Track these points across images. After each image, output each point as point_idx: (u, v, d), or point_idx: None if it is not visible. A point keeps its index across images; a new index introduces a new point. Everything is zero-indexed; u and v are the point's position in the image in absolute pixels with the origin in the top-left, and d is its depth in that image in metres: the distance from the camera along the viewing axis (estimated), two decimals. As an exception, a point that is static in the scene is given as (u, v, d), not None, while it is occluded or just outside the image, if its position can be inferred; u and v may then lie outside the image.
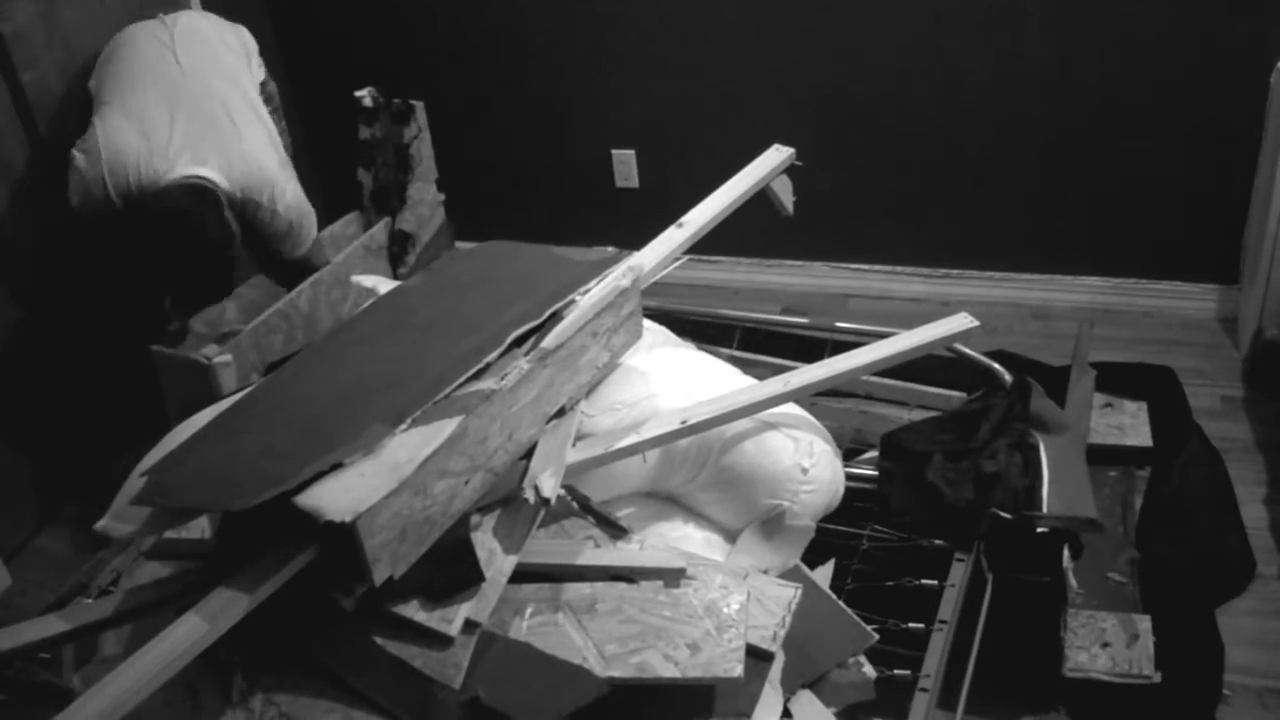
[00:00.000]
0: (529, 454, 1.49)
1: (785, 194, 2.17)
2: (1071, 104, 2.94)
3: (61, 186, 2.32)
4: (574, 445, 1.54)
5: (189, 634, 1.23)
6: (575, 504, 1.55)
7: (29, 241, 2.68)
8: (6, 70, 2.58)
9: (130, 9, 2.90)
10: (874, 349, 1.75)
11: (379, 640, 1.31)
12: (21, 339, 2.67)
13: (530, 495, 1.41)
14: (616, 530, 1.51)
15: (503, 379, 1.42)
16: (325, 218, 3.03)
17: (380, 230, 2.95)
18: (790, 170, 2.17)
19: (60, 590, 1.90)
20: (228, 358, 2.08)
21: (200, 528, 1.50)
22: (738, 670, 1.28)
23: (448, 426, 1.33)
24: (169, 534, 1.52)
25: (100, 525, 1.47)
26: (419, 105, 2.90)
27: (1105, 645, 1.87)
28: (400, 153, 2.89)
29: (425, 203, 2.97)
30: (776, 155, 2.09)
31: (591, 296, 1.58)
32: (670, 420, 1.61)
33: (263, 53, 2.74)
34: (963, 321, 1.77)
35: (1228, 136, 2.85)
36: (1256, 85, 2.75)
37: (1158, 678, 1.83)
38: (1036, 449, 1.86)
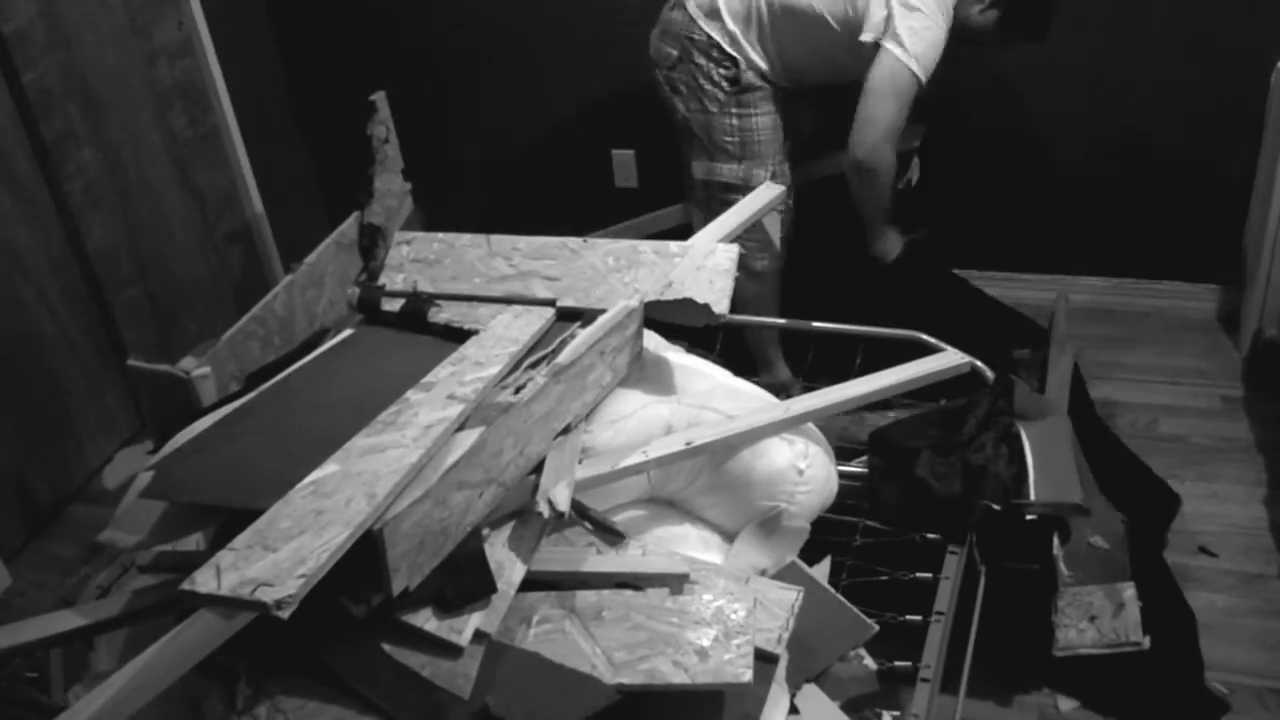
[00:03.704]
0: (536, 469, 1.49)
1: (774, 230, 2.21)
2: (1071, 104, 2.94)
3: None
4: (579, 463, 1.55)
5: (197, 635, 1.23)
6: (572, 510, 1.55)
7: (30, 241, 2.67)
8: (7, 70, 2.57)
9: (131, 9, 2.90)
10: (870, 380, 1.82)
11: (387, 648, 1.31)
12: (22, 339, 2.67)
13: (545, 509, 1.41)
14: (614, 536, 1.51)
15: (518, 392, 1.43)
16: (327, 223, 3.03)
17: (350, 225, 2.95)
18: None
19: (48, 607, 1.88)
20: (206, 370, 2.05)
21: (195, 540, 1.47)
22: (747, 676, 1.29)
23: (468, 438, 1.34)
24: (162, 547, 1.49)
25: (104, 537, 1.45)
26: (379, 96, 2.88)
27: (1093, 619, 1.89)
28: (364, 144, 2.87)
29: (393, 194, 2.96)
30: (768, 192, 2.11)
31: (603, 316, 1.60)
32: (673, 441, 1.64)
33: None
34: (953, 358, 1.90)
35: (1227, 136, 2.86)
36: (1256, 85, 2.75)
37: (1146, 642, 1.87)
38: (1019, 438, 1.89)
